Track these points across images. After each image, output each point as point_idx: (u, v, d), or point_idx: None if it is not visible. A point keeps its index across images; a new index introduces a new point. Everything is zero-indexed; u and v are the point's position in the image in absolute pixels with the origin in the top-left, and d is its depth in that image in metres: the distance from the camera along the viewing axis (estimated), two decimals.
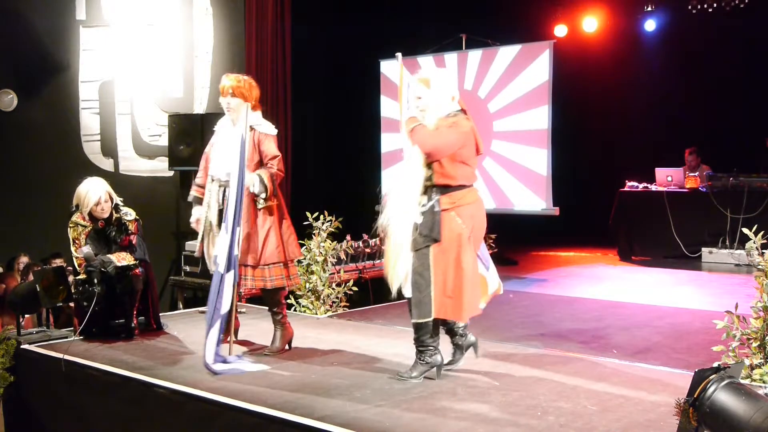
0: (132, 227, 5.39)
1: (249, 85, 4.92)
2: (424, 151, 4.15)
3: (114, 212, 5.35)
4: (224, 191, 4.90)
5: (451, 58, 9.56)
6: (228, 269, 4.53)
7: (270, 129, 4.96)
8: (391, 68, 9.92)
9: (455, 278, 4.13)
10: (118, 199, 5.42)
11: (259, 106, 4.98)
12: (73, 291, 5.30)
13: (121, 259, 5.23)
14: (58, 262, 6.47)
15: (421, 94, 4.24)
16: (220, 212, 4.92)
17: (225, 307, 4.51)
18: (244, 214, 4.74)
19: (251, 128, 4.88)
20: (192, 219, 5.14)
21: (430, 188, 4.20)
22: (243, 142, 4.64)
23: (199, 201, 5.08)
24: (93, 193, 5.25)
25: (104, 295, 5.24)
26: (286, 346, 4.98)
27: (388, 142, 10.44)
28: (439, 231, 4.13)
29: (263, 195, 4.77)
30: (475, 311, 4.25)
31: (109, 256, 5.21)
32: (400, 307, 6.68)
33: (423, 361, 4.26)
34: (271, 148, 4.87)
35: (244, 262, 4.80)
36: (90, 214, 5.28)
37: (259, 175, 4.74)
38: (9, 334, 5.26)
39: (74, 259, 5.29)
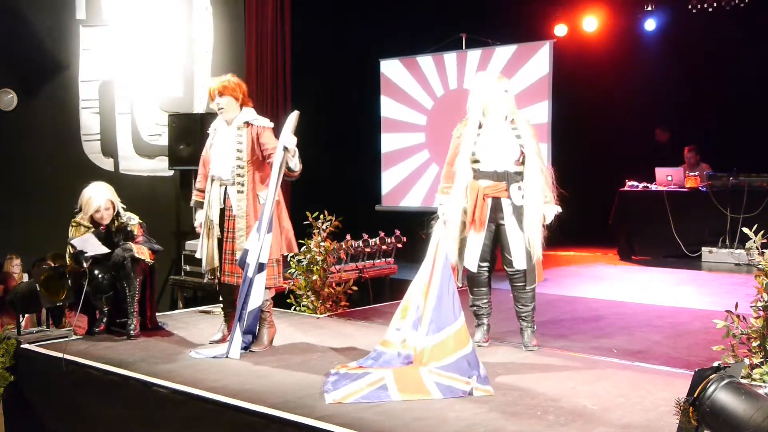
0: (137, 231, 5.42)
1: (235, 83, 4.95)
2: None
3: (116, 218, 5.38)
4: (225, 190, 4.93)
5: (450, 57, 9.56)
6: (259, 271, 4.67)
7: (267, 122, 4.97)
8: (391, 68, 9.93)
9: None
10: (120, 206, 5.43)
11: (250, 102, 5.01)
12: (85, 285, 5.29)
13: (141, 252, 5.29)
14: (51, 263, 6.43)
15: (508, 89, 4.97)
16: (222, 211, 4.95)
17: (251, 306, 4.70)
18: (248, 210, 4.84)
19: (248, 123, 4.90)
20: (196, 223, 5.18)
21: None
22: (280, 150, 4.68)
23: (201, 205, 5.09)
24: (94, 200, 5.30)
25: (109, 291, 5.28)
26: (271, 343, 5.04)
27: (388, 142, 10.46)
28: None
29: (295, 160, 4.72)
30: None
31: (129, 244, 5.28)
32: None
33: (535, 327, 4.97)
34: (271, 140, 4.87)
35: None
36: (91, 218, 5.32)
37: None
38: (9, 333, 5.26)
39: (67, 251, 5.33)
